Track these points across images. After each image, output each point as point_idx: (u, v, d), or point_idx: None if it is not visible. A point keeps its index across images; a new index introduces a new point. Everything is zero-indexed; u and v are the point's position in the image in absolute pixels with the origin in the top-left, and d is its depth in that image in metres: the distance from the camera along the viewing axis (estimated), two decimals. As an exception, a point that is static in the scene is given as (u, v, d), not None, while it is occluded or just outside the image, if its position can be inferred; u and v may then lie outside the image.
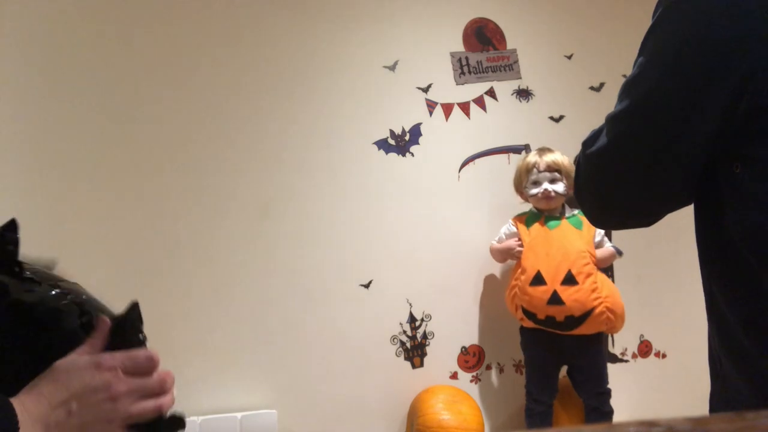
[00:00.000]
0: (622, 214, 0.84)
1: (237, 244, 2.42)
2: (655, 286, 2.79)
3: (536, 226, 2.35)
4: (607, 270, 2.79)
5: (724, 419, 0.29)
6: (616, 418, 2.58)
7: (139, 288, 2.28)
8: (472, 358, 2.61)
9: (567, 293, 2.16)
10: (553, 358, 2.33)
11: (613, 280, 2.79)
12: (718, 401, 0.75)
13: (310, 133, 2.55)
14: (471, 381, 2.60)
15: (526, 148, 2.73)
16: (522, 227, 2.40)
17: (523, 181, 2.39)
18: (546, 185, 2.30)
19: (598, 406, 2.28)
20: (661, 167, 0.72)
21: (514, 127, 2.76)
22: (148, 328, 0.61)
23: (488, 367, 2.62)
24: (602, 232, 2.34)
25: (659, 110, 0.71)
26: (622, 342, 2.78)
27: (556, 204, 2.34)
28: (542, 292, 2.20)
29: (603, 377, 2.29)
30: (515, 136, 2.75)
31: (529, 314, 2.25)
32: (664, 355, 2.81)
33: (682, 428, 0.29)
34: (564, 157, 2.36)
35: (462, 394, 2.44)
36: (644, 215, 0.81)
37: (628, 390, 2.70)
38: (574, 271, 2.18)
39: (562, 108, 2.81)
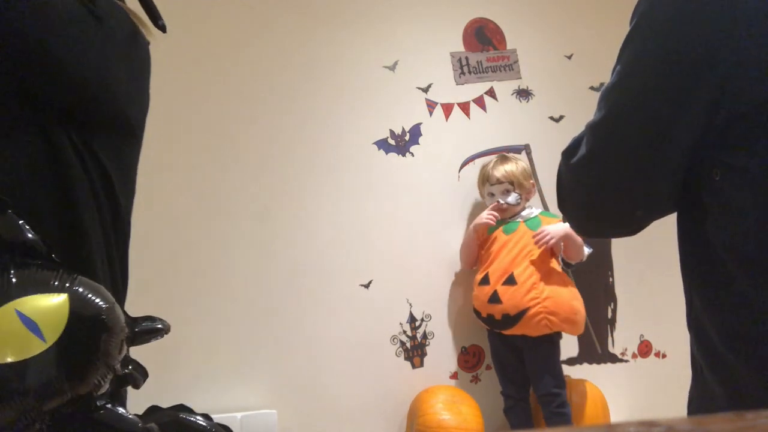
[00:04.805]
0: (606, 224, 0.84)
1: (236, 245, 2.42)
2: (655, 286, 2.78)
3: (497, 231, 2.43)
4: (606, 270, 2.79)
5: (724, 419, 0.30)
6: (616, 418, 2.58)
7: (139, 287, 2.28)
8: (472, 358, 2.61)
9: (505, 292, 2.29)
10: (508, 352, 2.38)
11: (612, 281, 2.80)
12: (697, 405, 0.76)
13: (310, 132, 2.55)
14: (471, 381, 2.60)
15: (526, 148, 2.73)
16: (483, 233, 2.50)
17: (481, 189, 2.53)
18: (498, 198, 2.42)
19: (543, 406, 2.28)
20: (641, 177, 0.73)
21: (514, 127, 2.76)
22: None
23: (488, 367, 2.62)
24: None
25: (637, 121, 0.71)
26: (622, 342, 2.78)
27: (512, 213, 2.43)
28: (485, 292, 2.36)
29: (546, 381, 2.27)
30: (515, 136, 2.75)
31: (476, 312, 2.42)
32: (664, 355, 2.81)
33: (682, 428, 0.29)
34: (519, 165, 2.45)
35: (462, 394, 2.44)
36: (628, 224, 0.81)
37: (628, 390, 2.70)
38: (516, 273, 2.30)
39: (562, 108, 2.81)
